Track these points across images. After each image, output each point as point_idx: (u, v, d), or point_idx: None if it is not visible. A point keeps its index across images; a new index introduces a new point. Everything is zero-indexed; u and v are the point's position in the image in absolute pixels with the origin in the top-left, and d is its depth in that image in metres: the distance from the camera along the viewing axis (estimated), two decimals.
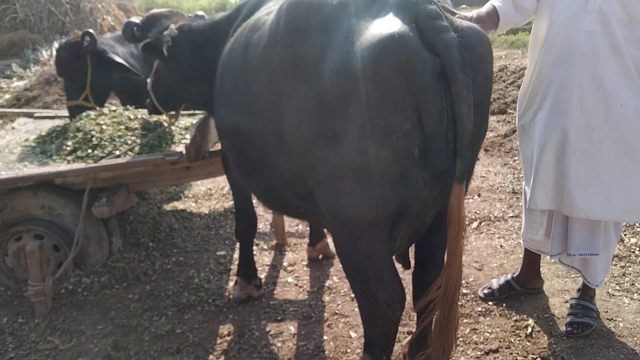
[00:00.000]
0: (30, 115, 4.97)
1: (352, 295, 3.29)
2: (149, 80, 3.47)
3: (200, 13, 3.65)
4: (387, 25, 1.80)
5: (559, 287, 3.24)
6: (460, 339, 2.83)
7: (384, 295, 2.09)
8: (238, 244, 3.91)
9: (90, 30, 4.30)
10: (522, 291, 3.15)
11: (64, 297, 3.46)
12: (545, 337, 2.79)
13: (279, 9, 2.22)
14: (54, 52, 12.50)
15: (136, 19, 3.48)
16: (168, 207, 4.84)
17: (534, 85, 2.64)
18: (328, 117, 1.95)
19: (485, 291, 3.19)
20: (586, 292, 2.89)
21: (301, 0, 2.09)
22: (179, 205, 4.92)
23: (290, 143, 2.15)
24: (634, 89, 2.39)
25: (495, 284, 3.20)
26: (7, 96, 9.50)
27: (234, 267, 3.76)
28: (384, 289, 2.09)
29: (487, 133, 6.55)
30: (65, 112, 4.82)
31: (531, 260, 3.08)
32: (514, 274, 3.20)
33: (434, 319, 2.13)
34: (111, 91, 4.75)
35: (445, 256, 2.07)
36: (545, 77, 2.56)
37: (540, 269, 3.15)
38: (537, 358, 2.64)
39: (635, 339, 2.73)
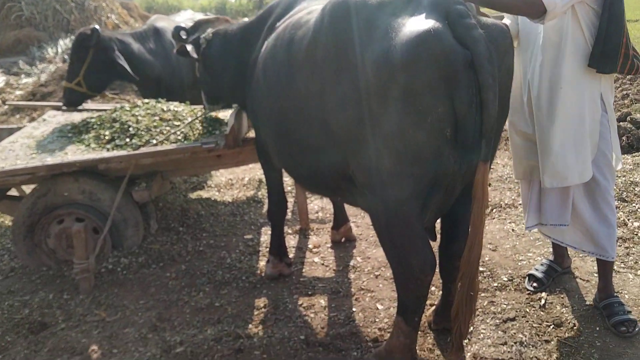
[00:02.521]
0: (58, 108, 5.19)
1: (376, 273, 3.58)
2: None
3: (246, 19, 3.98)
4: (424, 22, 2.07)
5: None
6: (480, 309, 3.08)
7: (417, 261, 2.35)
8: (266, 226, 4.19)
9: (97, 27, 4.64)
10: (562, 272, 3.34)
11: (104, 275, 3.69)
12: (558, 307, 3.05)
13: (322, 9, 2.48)
14: (59, 50, 12.72)
15: (184, 24, 3.83)
16: (193, 195, 5.08)
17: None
18: (369, 103, 2.21)
19: (535, 284, 3.25)
20: (607, 288, 2.99)
21: (343, 2, 2.35)
22: (203, 194, 5.17)
23: (334, 128, 2.41)
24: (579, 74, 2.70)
25: (538, 273, 3.29)
26: (17, 92, 9.72)
27: (262, 249, 4.01)
28: (417, 256, 2.35)
29: None
30: (92, 105, 5.10)
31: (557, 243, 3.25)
32: (550, 258, 3.39)
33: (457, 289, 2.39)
34: (110, 83, 5.16)
35: (470, 228, 2.33)
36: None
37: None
38: (551, 325, 2.90)
39: (639, 308, 2.99)
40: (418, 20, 2.09)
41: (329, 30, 2.37)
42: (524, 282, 3.32)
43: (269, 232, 3.78)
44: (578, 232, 2.94)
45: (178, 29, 3.85)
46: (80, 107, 5.17)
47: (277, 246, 3.64)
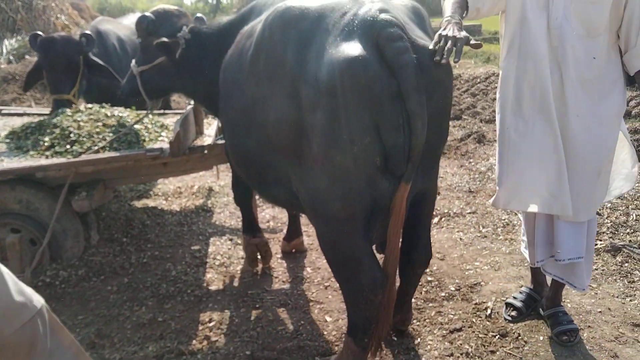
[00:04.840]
0: None
1: (326, 284, 3.53)
2: (134, 65, 3.63)
3: (199, 15, 3.76)
4: (351, 49, 2.01)
5: (514, 274, 3.55)
6: (427, 320, 3.08)
7: (366, 280, 2.28)
8: (215, 237, 4.08)
9: (89, 32, 4.42)
10: (540, 301, 3.12)
11: (41, 289, 3.50)
12: (503, 318, 3.08)
13: (264, 20, 2.43)
14: (4, 50, 12.21)
15: (149, 14, 3.54)
16: (138, 204, 4.92)
17: (517, 93, 2.67)
18: (302, 122, 2.17)
19: (512, 314, 3.08)
20: (556, 298, 2.99)
21: (283, 14, 2.31)
22: (150, 202, 5.01)
23: (274, 142, 2.37)
24: (592, 99, 2.54)
25: (516, 302, 3.11)
26: None
27: (210, 260, 3.91)
28: (365, 275, 2.28)
29: None
30: (34, 110, 4.87)
31: (538, 270, 3.11)
32: (530, 286, 3.20)
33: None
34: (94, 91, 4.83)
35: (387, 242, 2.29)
36: (524, 86, 2.64)
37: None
38: (496, 335, 2.92)
39: (580, 316, 3.05)
40: (345, 46, 2.04)
41: (268, 42, 2.35)
42: (470, 292, 3.34)
43: (217, 242, 3.71)
44: (559, 264, 2.80)
45: (145, 19, 3.52)
46: (20, 112, 4.97)
47: (249, 224, 3.71)
